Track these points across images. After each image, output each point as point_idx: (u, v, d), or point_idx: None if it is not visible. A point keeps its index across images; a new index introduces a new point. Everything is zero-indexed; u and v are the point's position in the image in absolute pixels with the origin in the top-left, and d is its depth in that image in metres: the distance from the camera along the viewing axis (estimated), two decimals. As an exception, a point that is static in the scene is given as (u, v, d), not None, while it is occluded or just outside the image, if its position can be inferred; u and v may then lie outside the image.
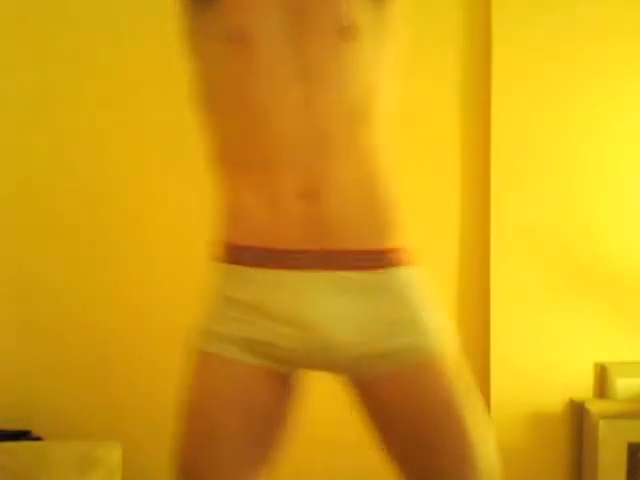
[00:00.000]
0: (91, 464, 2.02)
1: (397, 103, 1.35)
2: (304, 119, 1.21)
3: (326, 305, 1.24)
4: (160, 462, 2.42)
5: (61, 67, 2.43)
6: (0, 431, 2.27)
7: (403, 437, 1.29)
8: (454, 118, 2.48)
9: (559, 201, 2.46)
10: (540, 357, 2.46)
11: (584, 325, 2.47)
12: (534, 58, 2.43)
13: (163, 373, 2.44)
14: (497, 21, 2.42)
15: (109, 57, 2.42)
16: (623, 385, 2.42)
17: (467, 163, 2.49)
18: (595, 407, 2.39)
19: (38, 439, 2.30)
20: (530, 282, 2.46)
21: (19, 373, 2.43)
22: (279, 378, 1.31)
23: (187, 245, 2.45)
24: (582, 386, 2.47)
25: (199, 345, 1.32)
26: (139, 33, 2.42)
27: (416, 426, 1.27)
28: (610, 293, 2.47)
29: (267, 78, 1.21)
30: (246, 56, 1.21)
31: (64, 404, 2.43)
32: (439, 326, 1.31)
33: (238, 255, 1.30)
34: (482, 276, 2.47)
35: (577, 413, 2.46)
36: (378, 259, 1.27)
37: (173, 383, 2.42)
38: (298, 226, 1.24)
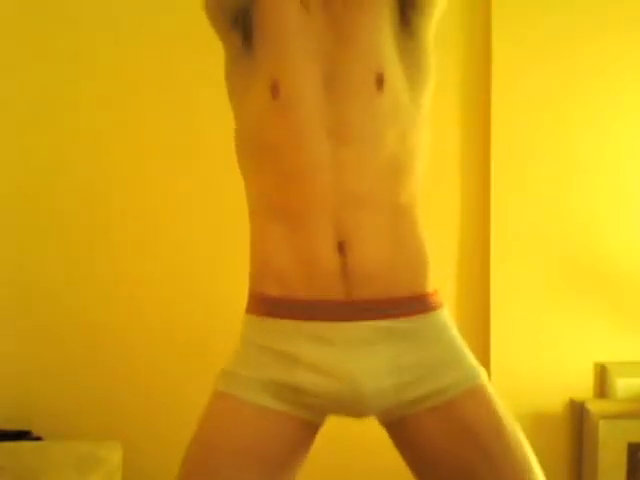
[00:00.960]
0: (91, 464, 2.02)
1: (429, 151, 1.35)
2: (335, 175, 1.23)
3: (361, 355, 1.25)
4: (160, 462, 2.43)
5: (61, 67, 2.43)
6: (0, 431, 2.27)
7: (451, 469, 1.28)
8: (454, 118, 2.48)
9: (559, 201, 2.46)
10: (540, 357, 2.46)
11: (584, 325, 2.47)
12: (534, 58, 2.43)
13: (163, 373, 2.44)
14: (497, 21, 2.42)
15: (109, 57, 2.42)
16: (623, 385, 2.41)
17: (467, 163, 2.49)
18: (595, 407, 2.39)
19: (38, 439, 2.31)
20: (530, 282, 2.46)
21: (19, 373, 2.43)
22: (303, 425, 1.30)
23: (187, 245, 2.45)
24: (582, 386, 2.47)
25: (222, 386, 1.31)
26: (139, 33, 2.42)
27: (465, 457, 1.27)
28: (610, 293, 2.47)
29: (299, 132, 1.22)
30: (280, 107, 1.22)
31: (64, 404, 2.43)
32: (476, 361, 1.37)
33: (272, 307, 1.30)
34: (482, 276, 2.47)
35: (577, 413, 2.46)
36: (413, 306, 1.29)
37: (173, 384, 2.43)
38: (331, 277, 1.25)
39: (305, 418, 1.29)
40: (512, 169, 2.45)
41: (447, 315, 1.36)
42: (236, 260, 2.41)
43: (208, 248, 2.44)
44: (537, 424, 2.47)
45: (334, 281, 1.25)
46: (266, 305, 1.31)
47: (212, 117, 2.40)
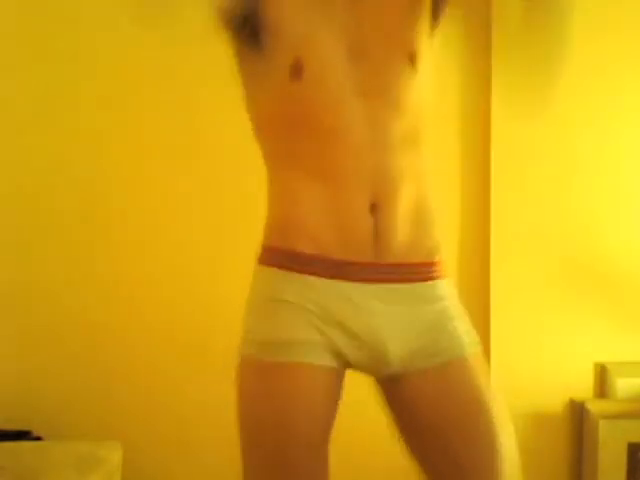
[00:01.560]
0: (91, 464, 2.02)
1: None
2: (369, 136, 1.28)
3: (384, 316, 1.31)
4: (160, 462, 2.43)
5: (61, 67, 2.43)
6: (0, 431, 2.27)
7: (433, 426, 1.33)
8: (454, 118, 2.48)
9: (559, 201, 2.46)
10: (540, 357, 2.46)
11: (584, 325, 2.47)
12: (534, 57, 2.43)
13: (163, 373, 2.44)
14: (497, 20, 2.42)
15: (109, 57, 2.42)
16: (623, 385, 2.41)
17: (467, 163, 2.49)
18: (595, 407, 2.39)
19: (38, 439, 2.31)
20: (530, 282, 2.46)
21: (19, 373, 2.43)
22: (340, 377, 1.34)
23: (187, 245, 2.45)
24: (582, 386, 2.47)
25: (277, 357, 1.30)
26: (139, 33, 2.42)
27: (446, 415, 1.32)
28: (610, 293, 2.47)
29: (332, 99, 1.26)
30: (311, 82, 1.26)
31: (64, 404, 2.43)
32: (473, 334, 1.42)
33: (306, 264, 1.31)
34: (482, 276, 2.47)
35: (577, 413, 2.46)
36: (428, 272, 1.37)
37: (173, 384, 2.43)
38: (364, 239, 1.30)
39: (341, 371, 1.33)
40: (512, 169, 2.45)
41: (451, 284, 1.42)
42: (236, 260, 2.41)
43: (208, 248, 2.44)
44: (537, 424, 2.47)
45: (366, 243, 1.29)
46: (300, 262, 1.31)
47: (212, 117, 2.40)
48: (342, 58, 1.27)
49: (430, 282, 1.37)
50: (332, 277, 1.30)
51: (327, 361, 1.30)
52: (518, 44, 2.43)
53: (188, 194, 2.44)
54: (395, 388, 1.36)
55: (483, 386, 1.35)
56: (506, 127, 2.44)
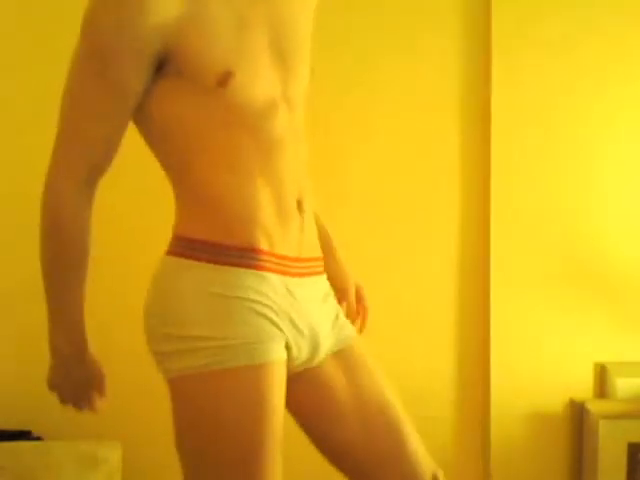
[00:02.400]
0: (91, 464, 2.02)
1: None
2: (294, 138, 1.36)
3: (315, 310, 1.41)
4: (160, 462, 2.43)
5: (61, 68, 2.43)
6: (0, 431, 2.27)
7: (354, 396, 1.44)
8: (454, 117, 2.48)
9: (559, 202, 2.46)
10: (540, 357, 2.46)
11: (584, 325, 2.47)
12: (534, 56, 2.43)
13: (163, 373, 2.44)
14: (497, 20, 2.42)
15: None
16: (623, 385, 2.42)
17: (467, 163, 2.49)
18: (595, 407, 2.39)
19: (38, 439, 2.30)
20: (530, 282, 2.46)
21: (19, 373, 2.43)
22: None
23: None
24: (582, 386, 2.47)
25: (251, 359, 1.30)
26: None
27: (362, 384, 1.45)
28: (610, 293, 2.47)
29: (266, 103, 1.32)
30: (240, 89, 1.29)
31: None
32: None
33: (261, 259, 1.33)
34: (482, 276, 2.47)
35: (577, 413, 2.46)
36: (322, 265, 1.47)
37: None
38: (295, 235, 1.37)
39: (286, 361, 1.37)
40: (512, 168, 2.45)
41: None
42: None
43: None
44: (537, 424, 2.47)
45: (296, 238, 1.37)
46: (256, 258, 1.32)
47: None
48: (268, 67, 1.32)
49: (324, 275, 1.47)
50: (281, 273, 1.34)
51: (284, 354, 1.34)
52: (519, 42, 2.43)
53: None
54: (308, 379, 1.43)
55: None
56: (506, 126, 2.44)
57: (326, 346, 1.42)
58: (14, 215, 2.44)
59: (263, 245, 1.32)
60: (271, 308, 1.32)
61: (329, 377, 1.44)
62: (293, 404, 1.41)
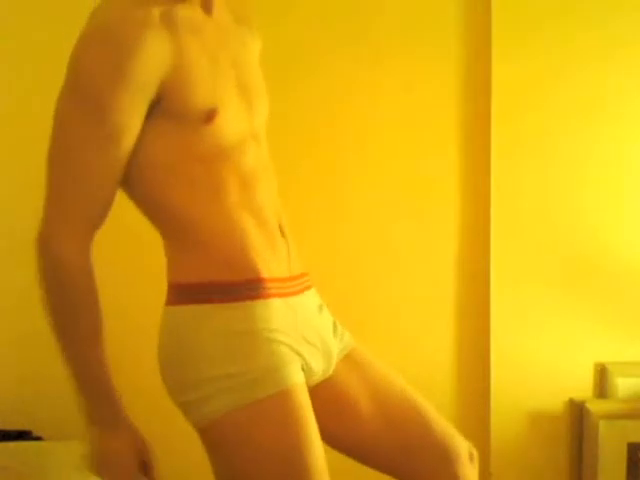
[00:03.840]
0: (91, 464, 2.02)
1: None
2: (265, 168, 1.42)
3: (320, 323, 1.45)
4: (160, 462, 2.43)
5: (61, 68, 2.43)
6: (0, 431, 2.27)
7: (372, 396, 1.47)
8: (454, 117, 2.48)
9: (560, 202, 2.46)
10: (540, 357, 2.46)
11: (584, 325, 2.47)
12: (534, 55, 2.44)
13: (163, 373, 2.44)
14: (497, 20, 2.42)
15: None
16: (623, 385, 2.42)
17: (467, 163, 2.49)
18: (595, 407, 2.39)
19: (39, 439, 2.31)
20: (530, 282, 2.46)
21: (20, 373, 2.43)
22: None
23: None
24: (582, 386, 2.48)
25: (281, 384, 1.31)
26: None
27: (375, 381, 1.49)
28: (610, 293, 2.47)
29: (241, 138, 1.36)
30: (223, 125, 1.32)
31: (65, 404, 2.42)
32: None
33: (267, 287, 1.34)
34: (482, 276, 2.47)
35: (577, 413, 2.46)
36: (309, 279, 1.48)
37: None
38: (284, 257, 1.40)
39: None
40: (512, 169, 2.45)
41: None
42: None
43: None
44: (537, 424, 2.47)
45: (286, 260, 1.40)
46: (263, 287, 1.34)
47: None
48: (238, 104, 1.36)
49: (313, 287, 1.49)
50: (283, 295, 1.37)
51: (302, 376, 1.35)
52: (519, 41, 2.43)
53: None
54: (324, 392, 1.44)
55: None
56: (506, 125, 2.44)
57: (335, 353, 1.45)
58: (14, 217, 2.44)
59: (264, 273, 1.34)
60: (284, 332, 1.33)
61: (344, 382, 1.46)
62: (318, 422, 1.38)
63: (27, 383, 2.44)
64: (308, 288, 1.46)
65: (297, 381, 1.31)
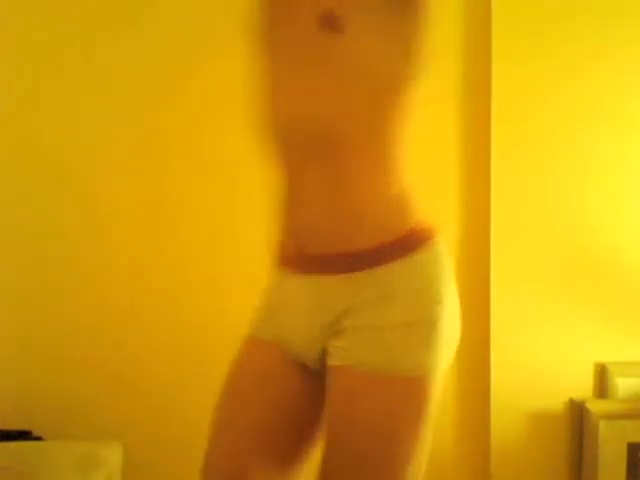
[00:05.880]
0: (92, 464, 2.02)
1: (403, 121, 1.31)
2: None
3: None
4: (160, 462, 2.43)
5: (61, 69, 2.43)
6: (1, 431, 2.27)
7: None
8: (455, 116, 2.48)
9: (560, 202, 2.46)
10: (540, 357, 2.46)
11: (584, 325, 2.47)
12: (534, 54, 2.43)
13: (163, 374, 2.44)
14: (498, 20, 2.42)
15: (110, 55, 2.42)
16: (623, 385, 2.42)
17: (467, 163, 2.49)
18: (595, 407, 2.39)
19: (39, 439, 2.31)
20: (530, 282, 2.46)
21: (20, 373, 2.43)
22: (300, 368, 1.33)
23: (186, 247, 2.45)
24: (582, 386, 2.47)
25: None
26: (140, 31, 2.42)
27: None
28: (610, 293, 2.47)
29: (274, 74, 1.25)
30: (267, 55, 1.25)
31: (64, 404, 2.43)
32: None
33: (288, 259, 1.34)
34: (482, 276, 2.47)
35: (577, 413, 2.46)
36: (339, 263, 1.29)
37: (173, 384, 2.43)
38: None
39: (297, 361, 1.33)
40: (513, 168, 2.45)
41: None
42: (235, 261, 2.42)
43: (207, 250, 2.44)
44: (537, 424, 2.47)
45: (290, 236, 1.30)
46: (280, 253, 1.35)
47: (211, 121, 2.40)
48: (276, 26, 1.31)
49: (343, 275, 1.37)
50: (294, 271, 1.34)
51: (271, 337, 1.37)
52: (519, 41, 2.43)
53: (186, 195, 2.44)
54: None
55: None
56: (507, 125, 2.44)
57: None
58: (14, 216, 2.44)
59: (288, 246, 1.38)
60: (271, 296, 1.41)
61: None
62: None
63: (27, 383, 2.44)
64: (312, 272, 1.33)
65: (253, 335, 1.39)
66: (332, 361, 1.24)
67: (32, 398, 2.43)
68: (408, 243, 1.25)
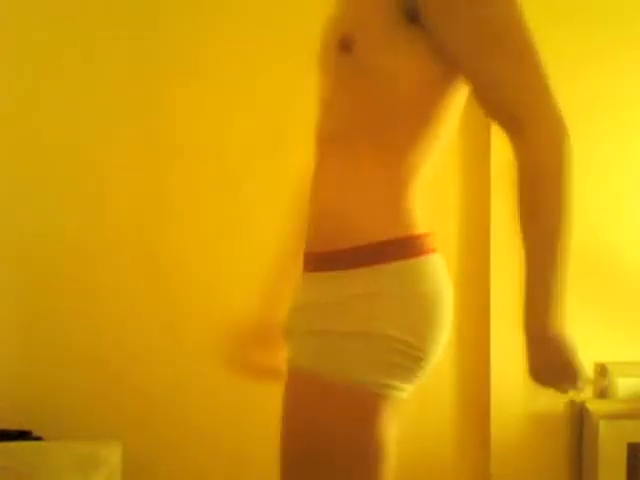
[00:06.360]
0: (92, 464, 2.02)
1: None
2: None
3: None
4: (160, 462, 2.43)
5: (62, 70, 2.43)
6: (1, 431, 2.27)
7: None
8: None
9: (559, 201, 2.46)
10: (540, 357, 2.46)
11: (584, 325, 2.46)
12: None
13: (163, 374, 2.44)
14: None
15: (110, 55, 2.43)
16: (623, 385, 2.42)
17: (467, 163, 2.49)
18: (595, 407, 2.39)
19: (39, 439, 2.31)
20: (530, 282, 2.46)
21: (20, 373, 2.43)
22: None
23: (186, 247, 2.45)
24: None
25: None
26: (140, 31, 2.42)
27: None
28: (610, 293, 2.47)
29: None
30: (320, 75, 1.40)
31: (64, 404, 2.43)
32: None
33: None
34: (482, 276, 2.47)
35: (577, 413, 2.46)
36: (331, 261, 1.29)
37: (173, 384, 2.43)
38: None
39: None
40: (512, 168, 2.45)
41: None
42: (235, 261, 2.42)
43: (207, 250, 2.44)
44: (537, 424, 2.47)
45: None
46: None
47: (211, 121, 2.40)
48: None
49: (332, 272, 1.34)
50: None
51: None
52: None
53: (186, 195, 2.44)
54: None
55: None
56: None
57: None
58: (14, 217, 2.44)
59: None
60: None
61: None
62: None
63: (27, 383, 2.44)
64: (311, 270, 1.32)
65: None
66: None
67: (32, 398, 2.43)
68: (379, 252, 1.28)
